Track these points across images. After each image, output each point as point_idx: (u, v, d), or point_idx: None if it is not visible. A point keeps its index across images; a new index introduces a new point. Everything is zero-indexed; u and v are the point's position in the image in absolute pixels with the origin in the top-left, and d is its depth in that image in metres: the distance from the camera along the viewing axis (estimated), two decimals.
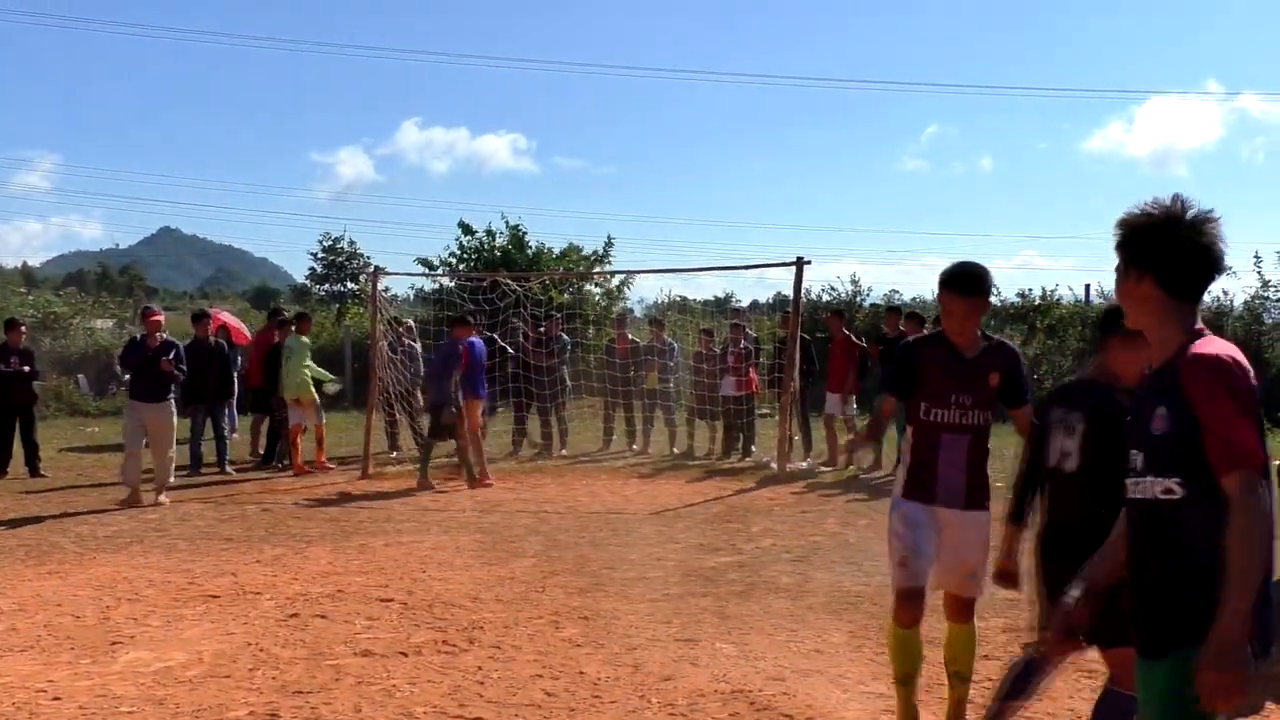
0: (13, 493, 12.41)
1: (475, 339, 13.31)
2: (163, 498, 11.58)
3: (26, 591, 7.72)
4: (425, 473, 12.74)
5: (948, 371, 4.68)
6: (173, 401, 11.84)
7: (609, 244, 27.68)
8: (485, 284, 17.51)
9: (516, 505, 11.44)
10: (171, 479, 11.91)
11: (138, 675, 5.84)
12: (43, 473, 13.81)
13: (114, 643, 6.38)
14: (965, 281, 4.59)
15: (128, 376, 12.23)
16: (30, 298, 31.71)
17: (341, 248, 44.11)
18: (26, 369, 14.08)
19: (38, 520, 10.62)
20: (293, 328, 14.60)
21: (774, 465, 13.56)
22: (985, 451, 4.76)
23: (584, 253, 27.63)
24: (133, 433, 11.61)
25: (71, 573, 8.35)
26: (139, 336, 12.14)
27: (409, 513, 11.00)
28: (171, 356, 11.62)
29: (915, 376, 4.74)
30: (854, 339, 14.89)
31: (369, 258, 43.00)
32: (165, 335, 12.02)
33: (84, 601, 7.42)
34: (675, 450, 15.63)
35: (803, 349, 14.19)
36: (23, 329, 14.69)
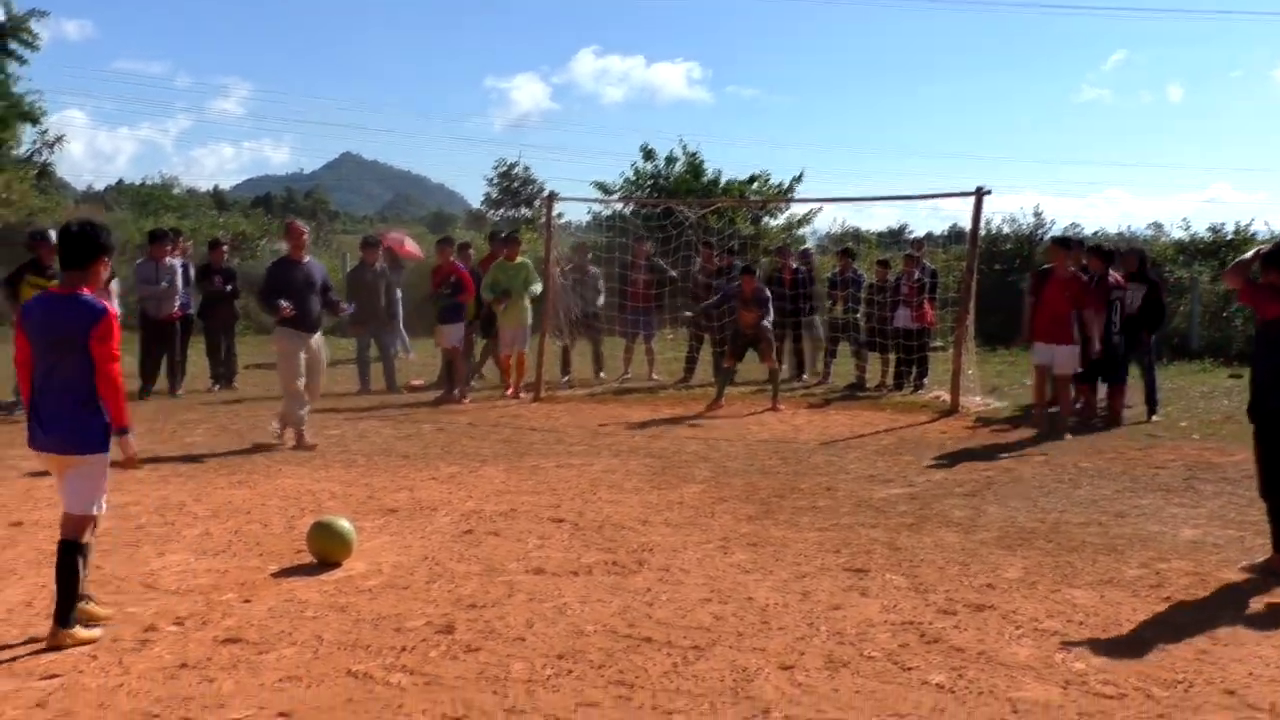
0: (208, 404, 13.00)
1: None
2: (307, 436, 10.28)
3: (220, 499, 8.10)
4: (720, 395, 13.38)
5: None
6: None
7: (799, 177, 27.43)
8: (659, 210, 17.51)
9: (685, 432, 11.48)
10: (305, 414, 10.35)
11: (321, 583, 6.08)
12: (235, 385, 14.40)
13: (299, 550, 6.63)
14: None
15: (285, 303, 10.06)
16: (221, 219, 33.06)
17: (516, 174, 44.67)
18: (229, 288, 14.63)
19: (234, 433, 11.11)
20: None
21: (947, 399, 13.31)
22: None
23: (771, 182, 27.42)
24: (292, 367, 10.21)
25: (260, 483, 8.72)
26: (282, 257, 10.90)
27: (580, 435, 11.14)
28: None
29: None
30: (1081, 277, 11.60)
31: (543, 183, 43.45)
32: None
33: (271, 511, 7.75)
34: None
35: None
36: (224, 248, 15.28)
